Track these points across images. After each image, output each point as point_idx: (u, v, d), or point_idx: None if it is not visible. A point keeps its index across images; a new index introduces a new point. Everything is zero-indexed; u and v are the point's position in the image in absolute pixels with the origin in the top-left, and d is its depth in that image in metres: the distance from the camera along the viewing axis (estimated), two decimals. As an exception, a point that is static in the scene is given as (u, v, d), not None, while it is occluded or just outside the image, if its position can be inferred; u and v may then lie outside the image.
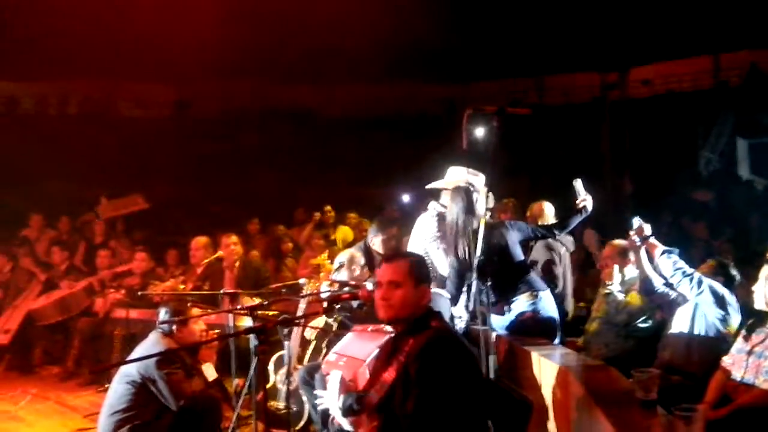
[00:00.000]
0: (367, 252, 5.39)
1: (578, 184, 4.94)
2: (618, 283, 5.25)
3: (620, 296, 5.20)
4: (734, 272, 4.69)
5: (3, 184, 11.48)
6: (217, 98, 16.54)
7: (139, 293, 6.77)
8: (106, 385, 6.50)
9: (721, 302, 4.51)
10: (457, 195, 4.75)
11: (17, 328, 7.95)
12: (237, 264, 6.96)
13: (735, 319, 4.51)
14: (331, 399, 3.34)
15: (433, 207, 5.01)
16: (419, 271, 3.12)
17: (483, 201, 4.75)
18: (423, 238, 5.00)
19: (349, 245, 7.66)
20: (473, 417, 2.99)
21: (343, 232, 9.51)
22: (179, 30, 11.12)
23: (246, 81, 15.44)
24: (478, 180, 4.84)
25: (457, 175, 4.93)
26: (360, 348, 3.64)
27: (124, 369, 4.51)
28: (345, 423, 3.27)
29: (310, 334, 5.34)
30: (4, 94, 16.77)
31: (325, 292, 5.19)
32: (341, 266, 5.23)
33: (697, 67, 18.27)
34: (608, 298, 5.26)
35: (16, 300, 8.24)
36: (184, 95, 17.14)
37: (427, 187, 5.07)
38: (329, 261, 6.12)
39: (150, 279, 7.57)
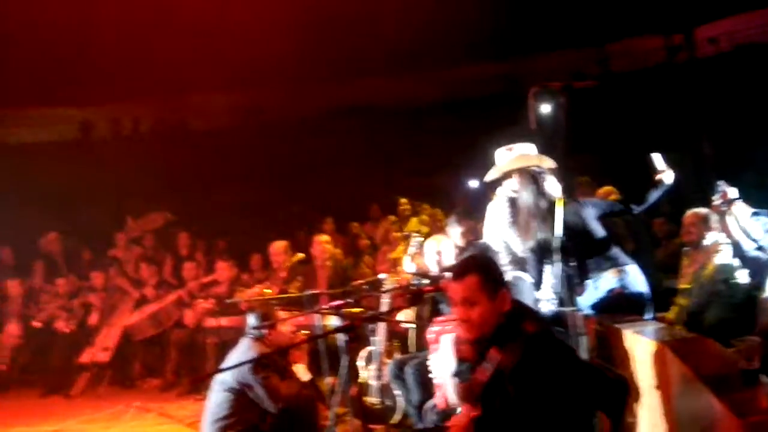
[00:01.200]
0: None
1: (657, 157, 4.77)
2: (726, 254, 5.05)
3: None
4: None
5: (88, 205, 11.95)
6: (282, 102, 16.77)
7: (227, 301, 6.96)
8: (205, 394, 6.78)
9: None
10: (525, 178, 4.70)
11: (115, 345, 8.30)
12: (329, 263, 7.08)
13: None
14: (445, 362, 3.33)
15: (503, 192, 4.95)
16: (492, 279, 2.89)
17: (553, 181, 4.69)
18: (497, 225, 4.95)
19: (426, 236, 7.67)
20: (583, 414, 2.86)
21: (415, 224, 9.50)
22: (240, 38, 11.34)
23: (309, 83, 15.59)
24: (544, 161, 4.77)
25: (517, 156, 4.86)
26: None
27: (220, 377, 4.64)
28: (452, 390, 3.24)
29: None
30: (77, 120, 17.43)
31: (410, 285, 5.23)
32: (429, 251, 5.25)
33: (765, 19, 17.44)
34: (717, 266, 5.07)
35: (111, 318, 8.60)
36: (252, 102, 17.43)
37: (486, 179, 5.00)
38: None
39: (236, 286, 7.77)
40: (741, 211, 4.62)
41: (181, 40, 11.34)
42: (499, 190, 5.01)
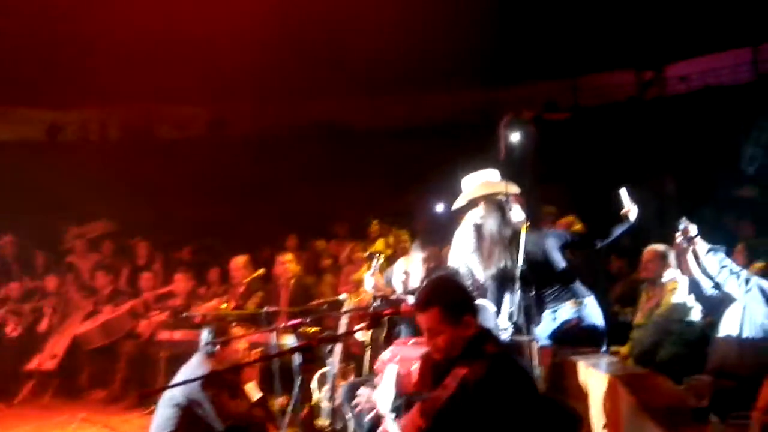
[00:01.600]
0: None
1: (623, 193, 4.81)
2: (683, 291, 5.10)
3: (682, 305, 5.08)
4: None
5: (47, 210, 11.72)
6: (250, 116, 16.69)
7: (183, 315, 6.82)
8: (153, 408, 6.61)
9: None
10: (490, 206, 4.71)
11: (64, 353, 8.08)
12: (292, 282, 7.01)
13: None
14: (385, 395, 3.31)
15: (469, 219, 4.96)
16: (453, 310, 2.95)
17: (518, 209, 4.71)
18: (462, 251, 4.96)
19: (388, 258, 7.63)
20: None
21: (381, 245, 9.45)
22: (211, 50, 11.26)
23: (278, 99, 15.54)
24: (509, 187, 4.79)
25: (482, 183, 4.88)
26: (410, 351, 3.66)
27: (169, 392, 4.54)
28: (392, 424, 3.23)
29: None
30: (45, 121, 17.13)
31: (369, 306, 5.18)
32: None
33: (736, 59, 17.88)
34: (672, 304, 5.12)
35: (62, 325, 8.39)
36: (220, 115, 17.32)
37: (454, 207, 5.03)
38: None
39: (192, 300, 7.64)
40: (700, 248, 4.66)
41: (153, 48, 11.21)
42: (467, 216, 5.02)
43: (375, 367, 3.87)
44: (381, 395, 3.35)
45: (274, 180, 15.12)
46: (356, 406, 3.84)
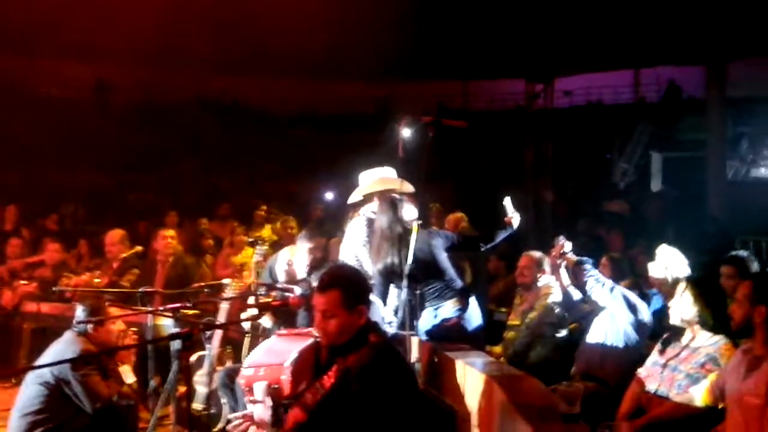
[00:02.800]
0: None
1: (507, 201, 5.01)
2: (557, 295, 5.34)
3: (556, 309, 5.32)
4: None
5: None
6: (141, 84, 16.04)
7: (54, 288, 6.46)
8: (13, 381, 6.26)
9: (633, 309, 4.69)
10: (384, 202, 4.79)
11: None
12: (170, 260, 6.71)
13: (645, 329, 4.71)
14: (262, 410, 3.29)
15: (363, 213, 5.03)
16: (352, 296, 3.04)
17: (411, 209, 4.80)
18: (353, 243, 5.01)
19: (273, 244, 7.56)
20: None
21: (268, 232, 9.35)
22: (105, 10, 10.68)
23: (172, 69, 15.00)
24: (404, 186, 4.89)
25: (379, 179, 4.96)
26: (276, 354, 3.61)
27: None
28: None
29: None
30: None
31: (252, 294, 5.12)
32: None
33: (618, 80, 18.97)
34: (545, 308, 5.36)
35: None
36: (105, 77, 16.53)
37: (350, 201, 5.09)
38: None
39: (62, 271, 7.27)
40: (570, 259, 4.92)
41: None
42: (361, 210, 5.07)
43: (241, 386, 3.77)
44: (258, 412, 3.32)
45: (159, 152, 14.65)
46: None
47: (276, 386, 3.37)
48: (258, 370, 3.53)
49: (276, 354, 3.61)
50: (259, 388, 3.34)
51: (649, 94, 19.08)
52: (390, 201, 4.75)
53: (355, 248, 4.99)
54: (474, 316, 4.84)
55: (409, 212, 4.74)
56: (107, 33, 11.10)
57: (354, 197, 5.05)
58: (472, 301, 4.88)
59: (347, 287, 3.05)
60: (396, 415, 2.88)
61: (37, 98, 15.97)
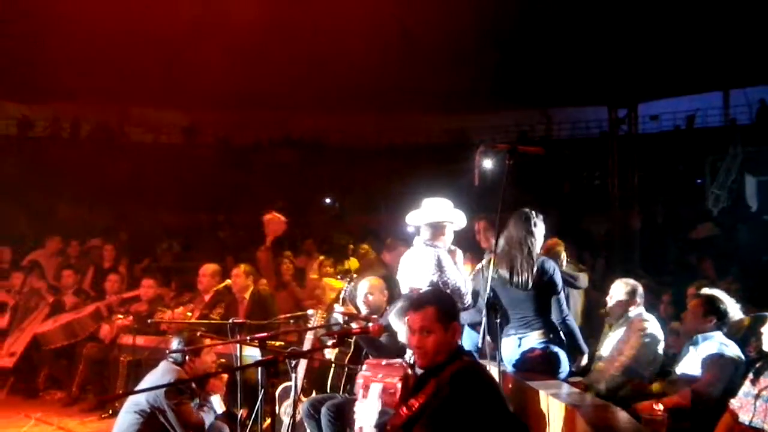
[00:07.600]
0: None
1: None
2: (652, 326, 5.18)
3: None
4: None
5: (13, 205, 11.53)
6: (227, 125, 16.69)
7: (149, 321, 6.76)
8: (111, 412, 6.55)
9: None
10: (518, 216, 4.79)
11: (23, 352, 7.93)
12: (245, 296, 6.93)
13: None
14: (369, 411, 3.38)
15: (420, 242, 4.99)
16: (446, 313, 3.19)
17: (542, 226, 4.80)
18: (425, 272, 4.92)
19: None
20: None
21: (354, 264, 9.43)
22: (192, 57, 11.20)
23: (258, 110, 15.54)
24: (458, 218, 4.93)
25: (438, 210, 4.97)
26: (388, 370, 3.73)
27: (133, 398, 4.51)
28: None
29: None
30: (16, 116, 16.91)
31: (336, 324, 5.20)
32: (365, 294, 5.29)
33: (707, 103, 18.38)
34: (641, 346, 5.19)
35: (24, 323, 8.24)
36: (195, 121, 17.27)
37: (409, 220, 5.07)
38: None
39: (157, 306, 7.57)
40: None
41: (130, 48, 11.07)
42: (416, 240, 5.07)
43: (356, 383, 3.87)
44: (364, 411, 3.42)
45: (250, 190, 15.08)
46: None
47: (392, 390, 3.51)
48: (376, 374, 3.66)
49: (388, 369, 3.72)
50: (376, 390, 3.44)
51: (739, 115, 18.38)
52: (524, 216, 4.75)
53: (428, 277, 4.80)
54: (559, 349, 4.74)
55: (541, 231, 4.74)
56: (195, 79, 11.61)
57: (413, 222, 5.03)
58: (558, 333, 4.76)
59: (441, 304, 3.22)
60: (483, 424, 2.92)
61: (130, 144, 16.83)
